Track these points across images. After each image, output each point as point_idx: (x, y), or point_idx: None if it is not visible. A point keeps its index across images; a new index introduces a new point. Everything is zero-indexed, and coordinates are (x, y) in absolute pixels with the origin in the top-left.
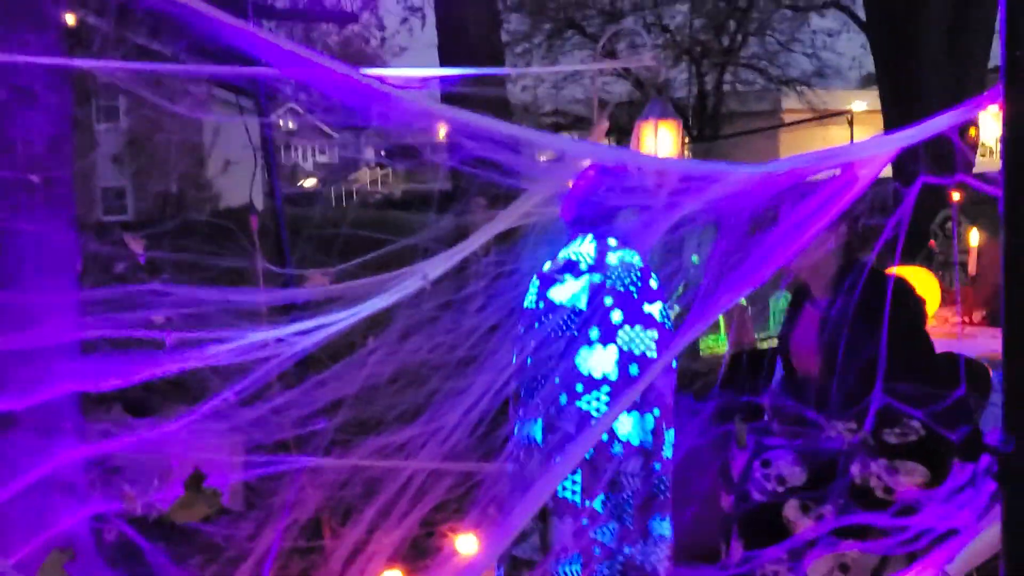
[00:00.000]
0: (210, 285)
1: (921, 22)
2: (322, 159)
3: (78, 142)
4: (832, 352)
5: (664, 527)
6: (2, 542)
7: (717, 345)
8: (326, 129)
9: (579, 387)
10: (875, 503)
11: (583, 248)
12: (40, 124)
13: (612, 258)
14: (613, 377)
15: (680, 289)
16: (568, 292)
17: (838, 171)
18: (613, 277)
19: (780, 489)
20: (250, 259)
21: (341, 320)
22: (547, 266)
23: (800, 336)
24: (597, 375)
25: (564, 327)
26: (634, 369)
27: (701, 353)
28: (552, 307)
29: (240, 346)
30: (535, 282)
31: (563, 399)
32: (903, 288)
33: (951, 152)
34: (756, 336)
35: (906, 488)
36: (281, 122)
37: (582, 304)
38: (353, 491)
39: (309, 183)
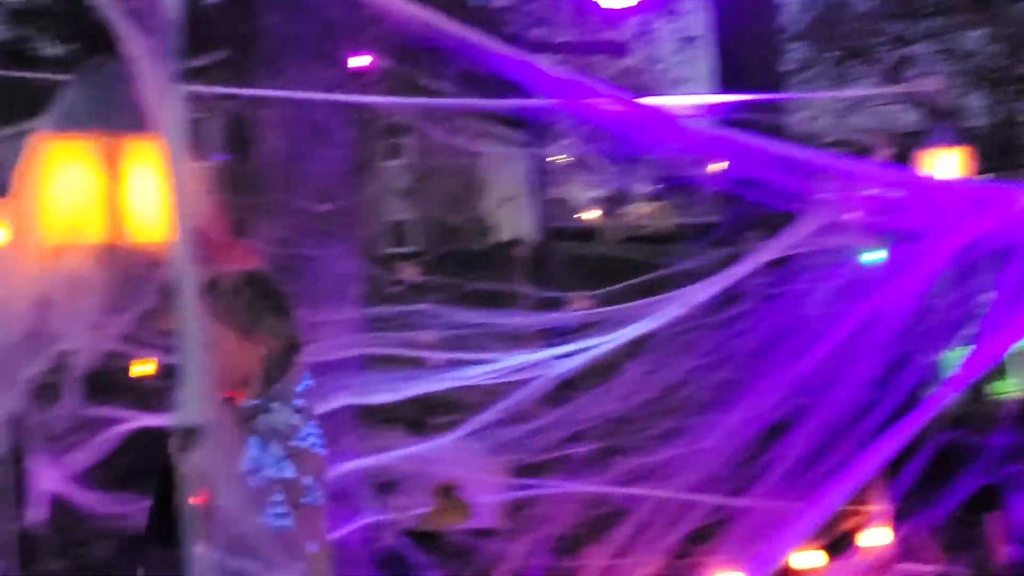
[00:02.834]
0: (478, 308)
1: None
2: (594, 192)
3: (364, 178)
4: None
5: None
6: (277, 552)
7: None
8: (599, 162)
9: None
10: None
11: None
12: (331, 159)
13: None
14: None
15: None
16: None
17: None
18: None
19: None
20: (517, 284)
21: (602, 343)
22: None
23: None
24: None
25: None
26: None
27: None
28: None
29: (503, 368)
30: None
31: None
32: None
33: None
34: None
35: None
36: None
37: None
38: (609, 513)
39: (581, 215)
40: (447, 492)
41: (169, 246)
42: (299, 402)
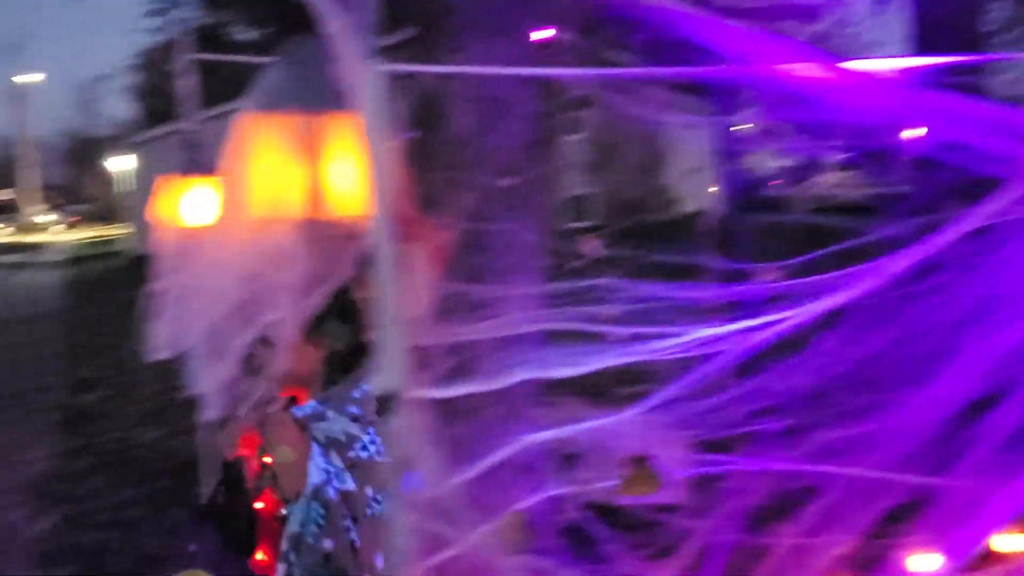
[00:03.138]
0: (663, 281)
1: None
2: (783, 162)
3: (547, 152)
4: None
5: None
6: (467, 518)
7: None
8: (788, 130)
9: None
10: None
11: None
12: (515, 133)
13: None
14: None
15: None
16: None
17: None
18: None
19: None
20: (702, 256)
21: (792, 316)
22: None
23: None
24: None
25: None
26: None
27: None
28: None
29: (688, 341)
30: None
31: None
32: None
33: None
34: None
35: None
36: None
37: None
38: (799, 490)
39: (768, 185)
40: (639, 463)
41: (366, 220)
42: (354, 410)
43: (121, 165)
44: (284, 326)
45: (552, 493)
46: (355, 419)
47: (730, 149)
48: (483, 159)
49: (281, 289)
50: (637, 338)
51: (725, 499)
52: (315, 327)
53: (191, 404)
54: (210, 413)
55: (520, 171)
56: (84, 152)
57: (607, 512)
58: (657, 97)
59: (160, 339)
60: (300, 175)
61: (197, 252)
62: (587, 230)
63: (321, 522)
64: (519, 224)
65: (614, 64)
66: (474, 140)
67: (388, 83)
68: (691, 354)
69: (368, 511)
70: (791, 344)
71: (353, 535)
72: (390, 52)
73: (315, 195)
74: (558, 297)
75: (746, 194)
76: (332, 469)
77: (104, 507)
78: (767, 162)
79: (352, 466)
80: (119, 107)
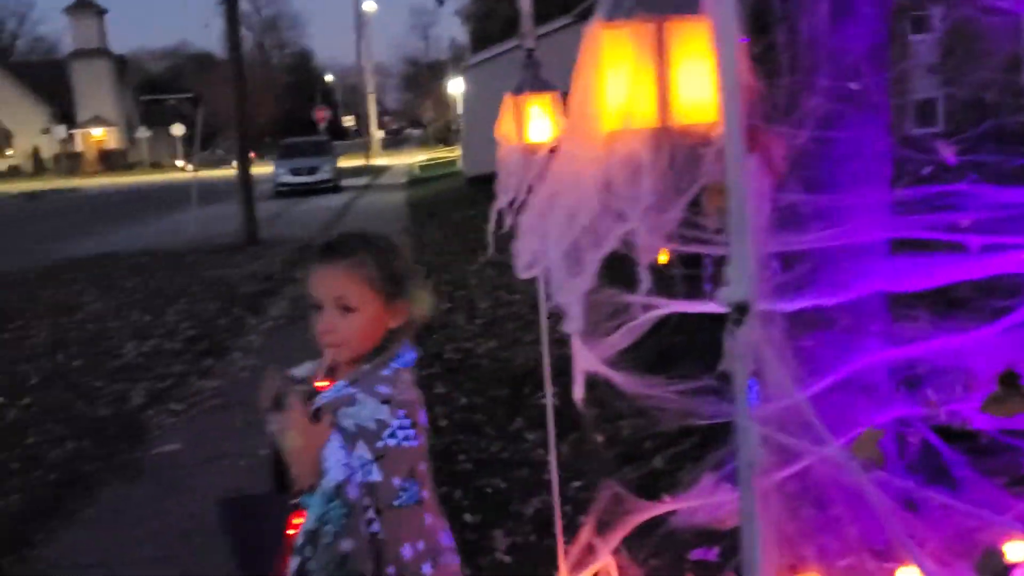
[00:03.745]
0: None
1: None
2: None
3: (892, 53)
4: None
5: None
6: (815, 433)
7: None
8: None
9: None
10: None
11: None
12: (858, 35)
13: None
14: None
15: None
16: None
17: None
18: None
19: None
20: None
21: None
22: None
23: None
24: None
25: None
26: None
27: None
28: None
29: None
30: None
31: None
32: None
33: None
34: None
35: None
36: None
37: None
38: None
39: None
40: (1010, 380)
41: (717, 127)
42: (385, 389)
43: (456, 88)
44: (640, 239)
45: (899, 415)
46: (386, 400)
47: None
48: (824, 63)
49: (634, 201)
50: (996, 248)
51: None
52: (399, 291)
53: (519, 319)
54: (572, 325)
55: (866, 74)
56: (421, 77)
57: (959, 436)
58: None
59: (523, 257)
60: (650, 84)
61: (551, 167)
62: (936, 136)
63: (341, 522)
64: (865, 129)
65: None
66: (818, 42)
67: None
68: None
69: (396, 501)
70: None
71: (376, 526)
72: None
73: (666, 104)
74: (907, 205)
75: None
76: (356, 464)
77: (449, 412)
78: None
79: (380, 456)
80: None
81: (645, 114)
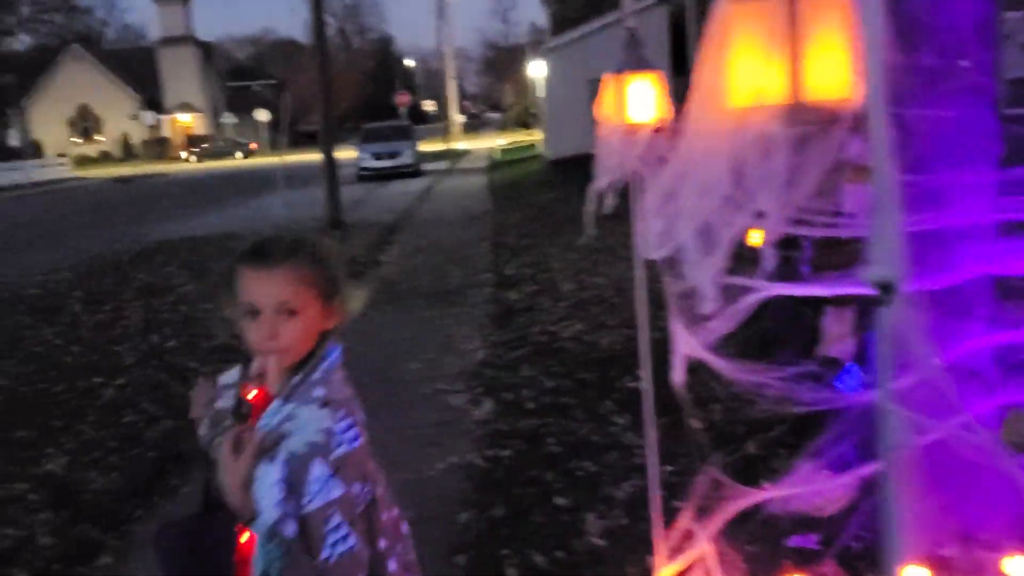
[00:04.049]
0: None
1: None
2: None
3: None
4: None
5: None
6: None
7: None
8: None
9: None
10: None
11: None
12: (965, 10)
13: None
14: None
15: None
16: None
17: None
18: None
19: None
20: None
21: None
22: None
23: None
24: None
25: None
26: None
27: None
28: None
29: None
30: None
31: None
32: None
33: None
34: None
35: None
36: None
37: None
38: None
39: None
40: None
41: (850, 104)
42: (319, 391)
43: (536, 71)
44: (770, 217)
45: (1005, 402)
46: (324, 403)
47: None
48: (928, 41)
49: (766, 179)
50: None
51: None
52: (336, 291)
53: (604, 302)
54: (705, 306)
55: (969, 52)
56: (501, 61)
57: None
58: None
59: (651, 238)
60: (781, 60)
61: (681, 147)
62: None
63: (282, 563)
64: (972, 109)
65: None
66: (922, 19)
67: None
68: None
69: (358, 510)
70: None
71: (352, 541)
72: None
73: (797, 80)
74: (1016, 185)
75: None
76: (315, 487)
77: (536, 395)
78: None
79: (338, 468)
80: (534, 15)
81: (777, 91)
